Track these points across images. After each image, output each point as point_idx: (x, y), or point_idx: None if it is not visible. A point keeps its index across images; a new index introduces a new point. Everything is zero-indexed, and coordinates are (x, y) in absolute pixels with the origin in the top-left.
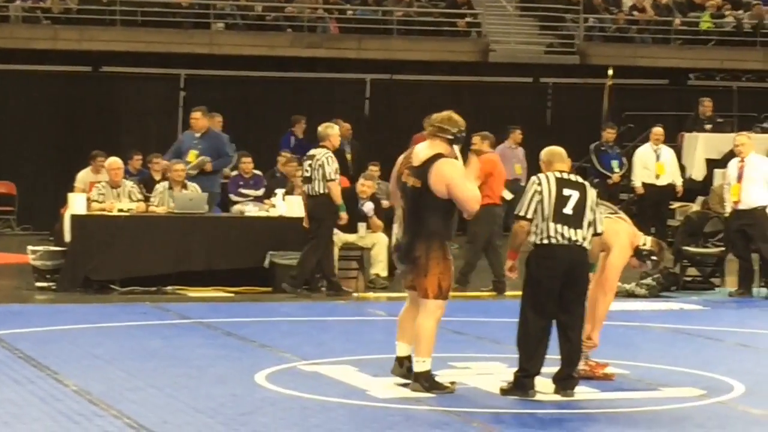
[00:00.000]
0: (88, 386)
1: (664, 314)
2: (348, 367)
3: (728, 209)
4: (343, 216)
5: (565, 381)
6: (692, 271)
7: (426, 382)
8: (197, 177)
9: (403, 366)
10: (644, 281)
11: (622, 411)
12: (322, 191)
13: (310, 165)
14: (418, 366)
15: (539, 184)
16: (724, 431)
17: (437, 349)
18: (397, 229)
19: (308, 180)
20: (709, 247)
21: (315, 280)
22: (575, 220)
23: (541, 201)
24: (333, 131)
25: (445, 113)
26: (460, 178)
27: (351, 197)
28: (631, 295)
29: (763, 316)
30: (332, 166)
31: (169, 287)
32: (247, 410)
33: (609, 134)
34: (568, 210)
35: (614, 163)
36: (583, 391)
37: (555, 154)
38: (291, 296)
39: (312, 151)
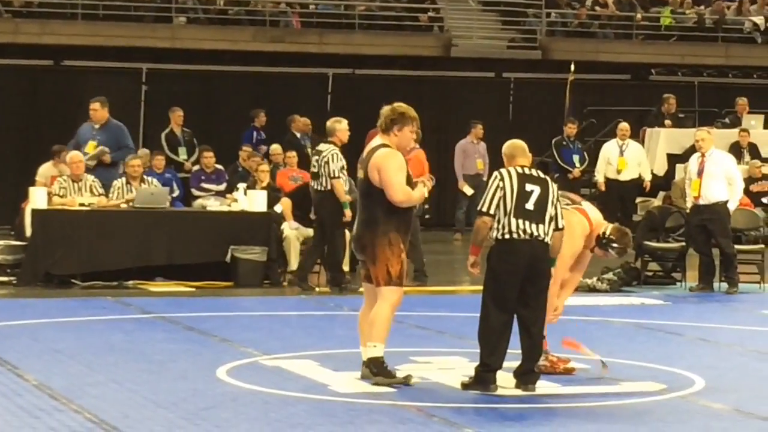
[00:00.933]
0: (48, 381)
1: (625, 309)
2: (309, 361)
3: (689, 204)
4: (347, 213)
5: (526, 376)
6: (653, 266)
7: (375, 367)
8: (96, 168)
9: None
10: (605, 276)
11: (583, 405)
12: (327, 187)
13: (317, 161)
14: (370, 351)
15: (501, 179)
16: (685, 426)
17: (400, 344)
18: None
19: (316, 176)
20: (671, 242)
21: (277, 274)
22: (537, 216)
23: (503, 196)
24: (340, 126)
25: (392, 106)
26: (392, 168)
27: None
28: (592, 290)
29: (723, 311)
30: (337, 163)
31: (130, 282)
32: (208, 405)
33: (570, 129)
34: (529, 205)
35: (575, 158)
36: (544, 386)
37: (517, 148)
38: (252, 291)
39: (320, 147)
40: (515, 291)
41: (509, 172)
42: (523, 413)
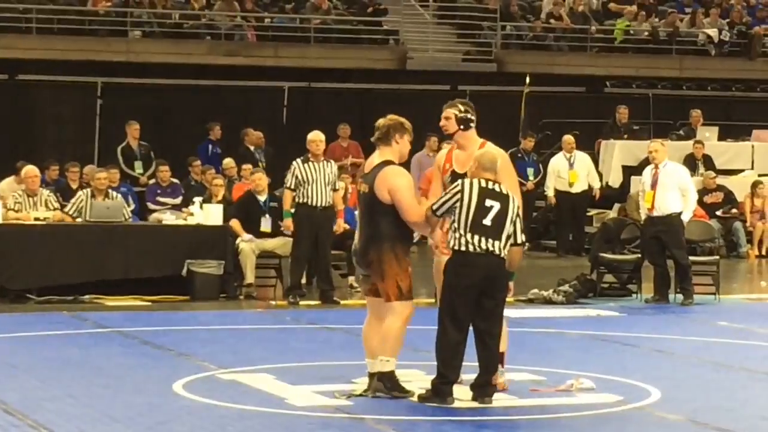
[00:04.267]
0: (3, 396)
1: (581, 321)
2: (266, 375)
3: (643, 216)
4: (286, 222)
5: (482, 388)
6: (609, 277)
7: (388, 382)
8: None
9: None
10: (561, 288)
11: (540, 418)
12: (324, 203)
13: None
14: (383, 365)
15: (461, 190)
16: None
17: (356, 357)
18: (357, 234)
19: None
20: (626, 254)
21: (234, 288)
22: (494, 232)
23: (460, 207)
24: (309, 137)
25: (387, 117)
26: (405, 188)
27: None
28: (548, 301)
29: (679, 322)
30: (289, 174)
31: (86, 296)
32: (165, 419)
33: (528, 143)
34: (487, 221)
35: (530, 171)
36: (500, 399)
37: (486, 161)
38: (209, 304)
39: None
40: (471, 304)
41: (471, 185)
42: (479, 425)
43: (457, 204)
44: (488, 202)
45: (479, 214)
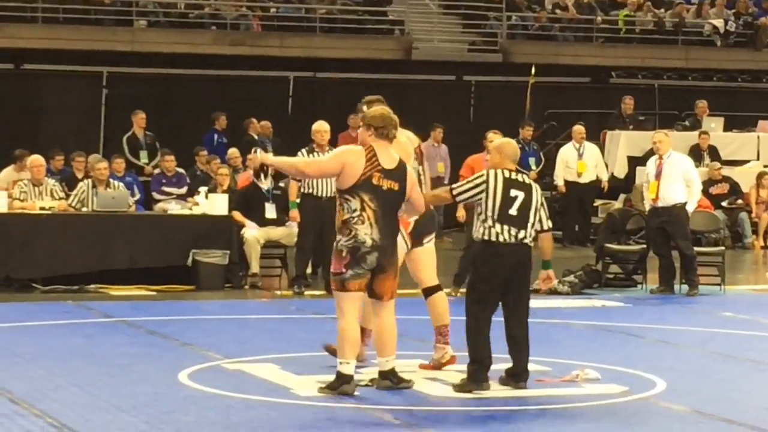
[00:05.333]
0: (9, 385)
1: (586, 311)
2: (271, 365)
3: (647, 207)
4: (292, 213)
5: (518, 375)
6: (614, 268)
7: (395, 377)
8: None
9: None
10: (566, 278)
11: (545, 408)
12: (327, 193)
13: None
14: (389, 364)
15: (486, 181)
16: (647, 427)
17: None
18: (368, 229)
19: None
20: (631, 245)
21: (239, 277)
22: (520, 221)
23: (486, 199)
24: (314, 127)
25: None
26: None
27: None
28: (553, 292)
29: (684, 313)
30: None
31: (91, 286)
32: (170, 409)
33: (527, 132)
34: (513, 211)
35: (531, 160)
36: (504, 388)
37: (509, 151)
38: (214, 294)
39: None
40: (500, 292)
41: (496, 176)
42: (483, 415)
43: (483, 195)
44: (513, 192)
45: (505, 204)
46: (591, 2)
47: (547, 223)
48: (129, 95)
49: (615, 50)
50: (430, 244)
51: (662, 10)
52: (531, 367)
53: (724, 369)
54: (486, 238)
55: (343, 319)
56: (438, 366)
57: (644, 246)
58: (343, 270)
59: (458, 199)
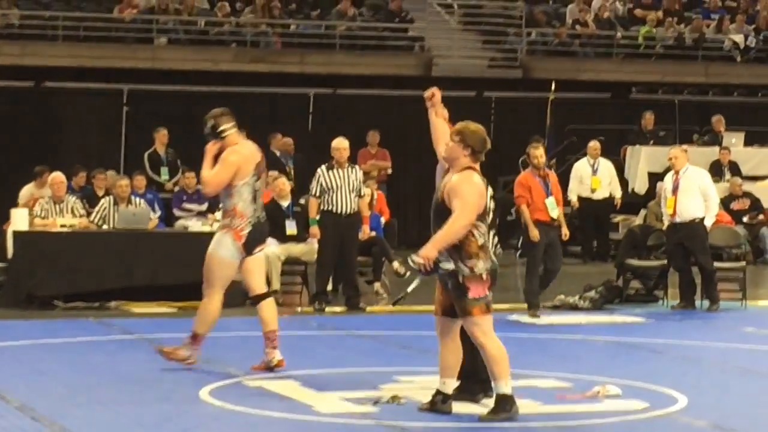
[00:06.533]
0: (31, 402)
1: (607, 327)
2: (292, 382)
3: (666, 222)
4: (313, 230)
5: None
6: (635, 283)
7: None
8: None
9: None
10: (587, 294)
11: (565, 425)
12: (350, 210)
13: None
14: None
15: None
16: None
17: (384, 363)
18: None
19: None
20: (652, 260)
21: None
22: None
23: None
24: (333, 144)
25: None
26: None
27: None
28: (574, 308)
29: (705, 329)
30: (314, 181)
31: (112, 303)
32: (192, 426)
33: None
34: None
35: None
36: (524, 405)
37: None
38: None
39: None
40: None
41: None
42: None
43: None
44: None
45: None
46: (611, 18)
47: None
48: (149, 112)
49: (635, 66)
50: (261, 253)
51: (682, 26)
52: (552, 383)
53: (745, 384)
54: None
55: (492, 340)
56: (269, 368)
57: (665, 261)
58: (487, 293)
59: None
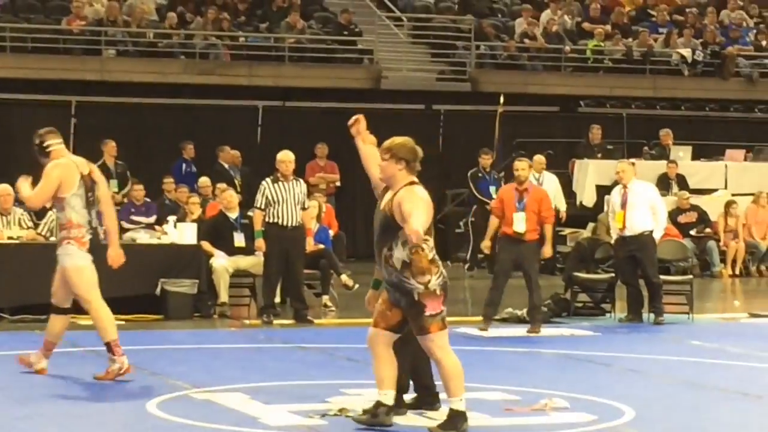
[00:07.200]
0: None
1: (554, 340)
2: (240, 394)
3: (614, 236)
4: (258, 243)
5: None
6: (583, 297)
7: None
8: None
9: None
10: None
11: None
12: (293, 223)
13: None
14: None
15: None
16: None
17: (331, 376)
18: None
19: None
20: (600, 273)
21: (208, 307)
22: None
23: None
24: (279, 157)
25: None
26: None
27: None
28: (522, 321)
29: (652, 342)
30: (259, 194)
31: None
32: None
33: (485, 160)
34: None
35: (492, 189)
36: (474, 417)
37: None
38: (182, 324)
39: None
40: None
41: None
42: None
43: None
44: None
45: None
46: (559, 32)
47: None
48: (98, 124)
49: (583, 79)
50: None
51: (630, 39)
52: (499, 395)
53: (692, 397)
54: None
55: (448, 355)
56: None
57: (613, 275)
58: (442, 308)
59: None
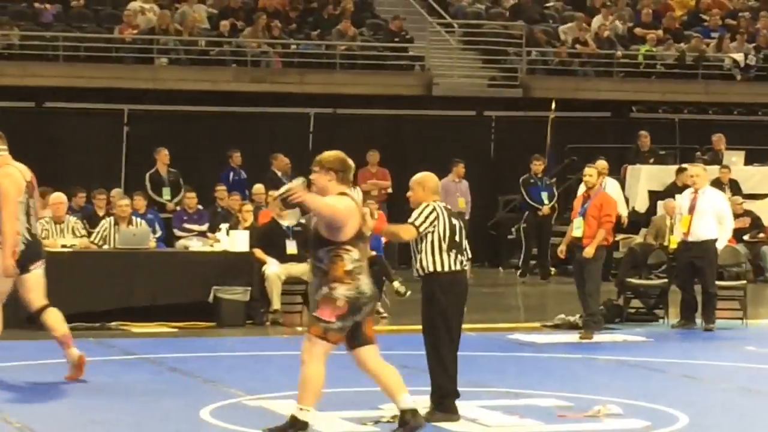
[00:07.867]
0: (31, 423)
1: (607, 346)
2: (292, 401)
3: (677, 240)
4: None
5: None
6: (636, 302)
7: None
8: None
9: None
10: None
11: None
12: None
13: None
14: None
15: (438, 214)
16: None
17: (368, 383)
18: (367, 278)
19: None
20: (653, 279)
21: (260, 314)
22: (462, 248)
23: (436, 230)
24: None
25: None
26: None
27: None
28: (574, 327)
29: (706, 348)
30: None
31: (113, 323)
32: None
33: (536, 166)
34: (458, 238)
35: (544, 195)
36: (528, 424)
37: (430, 185)
38: (235, 331)
39: None
40: (462, 320)
41: (440, 208)
42: None
43: (436, 224)
44: (453, 221)
45: (452, 233)
46: (611, 37)
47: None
48: (150, 133)
49: (635, 85)
50: (37, 270)
51: (682, 44)
52: (552, 402)
53: (746, 403)
54: (440, 269)
55: (314, 364)
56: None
57: (666, 280)
58: (333, 320)
59: (420, 229)
